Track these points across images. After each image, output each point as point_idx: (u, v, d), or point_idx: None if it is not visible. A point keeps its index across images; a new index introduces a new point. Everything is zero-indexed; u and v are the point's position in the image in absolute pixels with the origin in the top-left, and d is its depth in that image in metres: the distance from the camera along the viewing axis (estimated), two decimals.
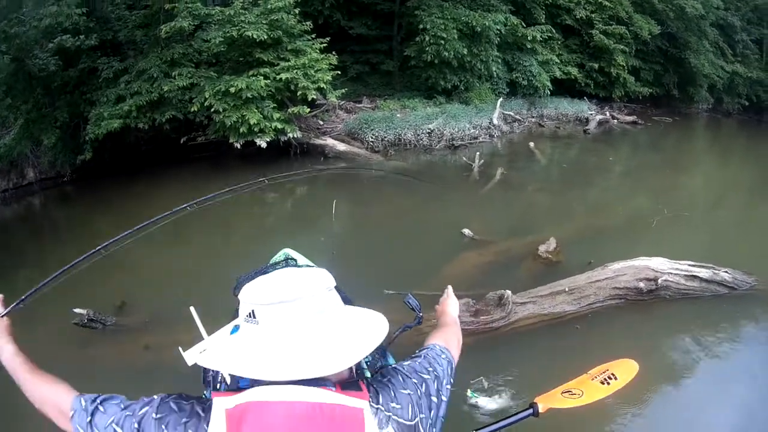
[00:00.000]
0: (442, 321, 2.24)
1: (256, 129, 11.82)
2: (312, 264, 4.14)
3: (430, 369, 1.60)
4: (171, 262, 7.84)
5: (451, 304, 2.38)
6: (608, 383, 2.64)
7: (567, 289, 5.79)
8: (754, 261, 6.84)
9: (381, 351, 3.21)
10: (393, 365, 1.60)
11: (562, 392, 2.54)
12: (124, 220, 9.79)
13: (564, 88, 21.72)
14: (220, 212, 9.85)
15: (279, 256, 4.36)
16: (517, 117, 19.21)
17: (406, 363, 1.61)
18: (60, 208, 12.00)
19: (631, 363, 2.82)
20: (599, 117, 20.93)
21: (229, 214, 9.82)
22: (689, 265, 6.23)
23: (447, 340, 1.90)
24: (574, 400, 2.51)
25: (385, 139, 15.08)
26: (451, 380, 1.69)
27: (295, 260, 4.20)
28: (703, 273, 6.17)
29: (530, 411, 2.35)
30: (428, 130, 15.73)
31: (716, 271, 6.23)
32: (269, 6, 12.09)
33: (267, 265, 4.21)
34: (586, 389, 2.55)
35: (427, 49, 16.33)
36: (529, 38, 19.22)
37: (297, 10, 12.74)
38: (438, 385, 1.57)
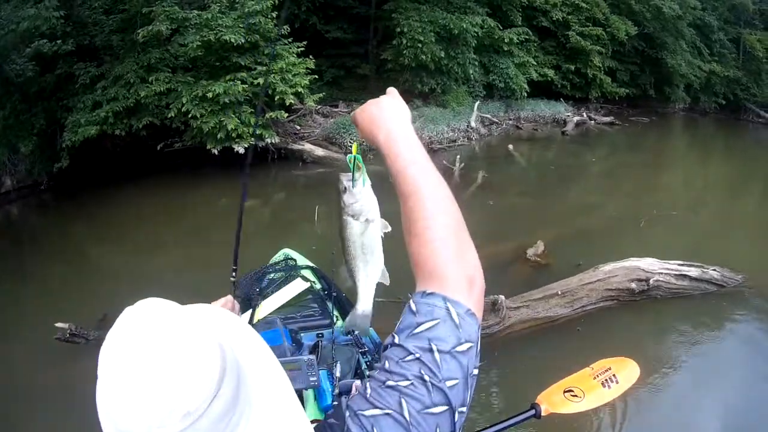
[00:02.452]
0: (395, 167, 1.12)
1: (233, 135, 11.63)
2: (312, 264, 4.05)
3: (402, 382, 0.91)
4: (150, 272, 7.67)
5: (383, 105, 1.22)
6: (609, 386, 2.61)
7: (560, 292, 5.76)
8: (740, 258, 6.98)
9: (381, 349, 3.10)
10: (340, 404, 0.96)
11: (564, 390, 2.50)
12: (101, 227, 9.65)
13: (541, 89, 21.83)
14: (193, 220, 9.73)
15: (278, 256, 4.31)
16: (495, 119, 19.37)
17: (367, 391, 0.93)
18: (38, 216, 11.76)
19: (633, 366, 2.79)
20: (576, 118, 21.12)
21: (206, 222, 9.69)
22: (679, 264, 6.30)
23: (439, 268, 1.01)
24: (576, 404, 2.47)
25: (364, 143, 14.84)
26: (476, 363, 0.96)
27: (295, 260, 4.14)
28: (693, 272, 6.25)
29: (532, 412, 2.32)
30: None
31: (705, 270, 6.32)
32: (246, 10, 11.95)
33: (266, 266, 4.13)
34: (588, 389, 2.53)
35: (404, 52, 16.29)
36: (505, 40, 19.34)
37: (274, 14, 12.61)
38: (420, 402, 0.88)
